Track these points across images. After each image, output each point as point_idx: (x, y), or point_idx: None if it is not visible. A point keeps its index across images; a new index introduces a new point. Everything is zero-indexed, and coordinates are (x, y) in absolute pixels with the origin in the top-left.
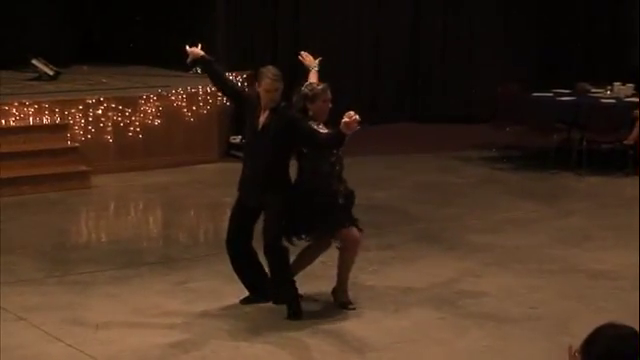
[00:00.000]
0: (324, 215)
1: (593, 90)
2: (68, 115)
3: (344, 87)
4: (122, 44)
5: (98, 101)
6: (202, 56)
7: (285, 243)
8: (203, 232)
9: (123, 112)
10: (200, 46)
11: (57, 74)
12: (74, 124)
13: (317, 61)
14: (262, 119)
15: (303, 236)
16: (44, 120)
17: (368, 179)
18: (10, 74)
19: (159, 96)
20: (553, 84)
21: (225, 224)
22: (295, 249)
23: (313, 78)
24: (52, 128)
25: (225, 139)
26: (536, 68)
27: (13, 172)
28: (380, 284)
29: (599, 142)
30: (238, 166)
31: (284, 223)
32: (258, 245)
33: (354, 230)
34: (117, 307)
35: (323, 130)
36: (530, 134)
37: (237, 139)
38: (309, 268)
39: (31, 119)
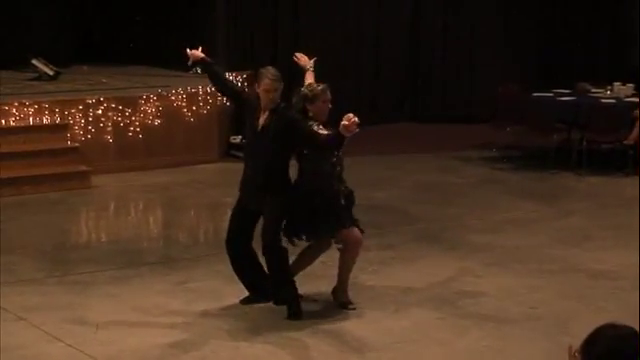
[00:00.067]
0: (325, 216)
1: (593, 90)
2: (68, 115)
3: (344, 87)
4: (122, 44)
5: (98, 101)
6: (202, 58)
7: (285, 243)
8: (203, 232)
9: (123, 112)
10: (200, 48)
11: (57, 74)
12: (74, 124)
13: (312, 61)
14: (262, 120)
15: (304, 237)
16: (44, 120)
17: (368, 179)
18: (10, 74)
19: (159, 96)
20: (553, 84)
21: (225, 224)
22: (295, 249)
23: (309, 78)
24: (52, 128)
25: (225, 139)
26: (536, 68)
27: (13, 172)
28: (380, 284)
29: (599, 142)
30: (238, 166)
31: (284, 224)
32: (258, 246)
33: (355, 230)
34: (117, 307)
35: (323, 131)
36: (530, 134)
37: (237, 139)
38: (309, 268)
39: (31, 119)
